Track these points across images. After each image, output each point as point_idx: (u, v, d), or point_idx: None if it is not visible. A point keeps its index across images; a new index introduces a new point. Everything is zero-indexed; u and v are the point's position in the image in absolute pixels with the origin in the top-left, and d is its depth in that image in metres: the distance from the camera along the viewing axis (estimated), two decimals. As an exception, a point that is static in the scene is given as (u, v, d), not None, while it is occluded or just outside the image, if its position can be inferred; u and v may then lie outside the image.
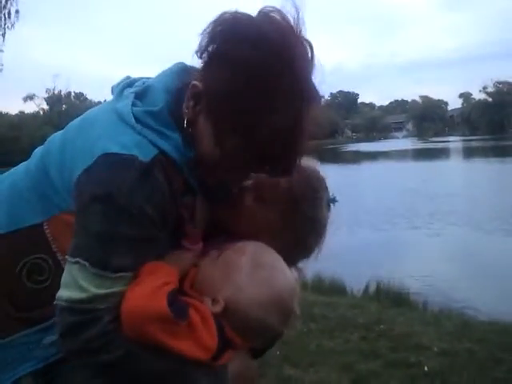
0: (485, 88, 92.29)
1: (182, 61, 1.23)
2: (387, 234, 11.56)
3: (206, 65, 1.10)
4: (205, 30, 1.10)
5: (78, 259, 1.04)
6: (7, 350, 1.16)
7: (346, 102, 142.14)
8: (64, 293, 1.05)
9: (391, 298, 6.15)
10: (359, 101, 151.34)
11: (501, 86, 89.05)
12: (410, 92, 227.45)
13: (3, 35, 12.52)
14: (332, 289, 6.70)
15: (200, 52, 1.11)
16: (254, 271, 1.15)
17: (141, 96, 1.16)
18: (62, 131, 1.26)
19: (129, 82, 1.23)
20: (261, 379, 3.56)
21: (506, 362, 3.48)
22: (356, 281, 6.86)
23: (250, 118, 1.05)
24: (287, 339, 4.05)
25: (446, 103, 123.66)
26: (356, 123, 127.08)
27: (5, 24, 12.51)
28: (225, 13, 1.10)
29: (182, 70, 1.20)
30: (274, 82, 1.04)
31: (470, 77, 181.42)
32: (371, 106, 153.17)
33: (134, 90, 1.18)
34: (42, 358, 1.16)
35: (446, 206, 14.41)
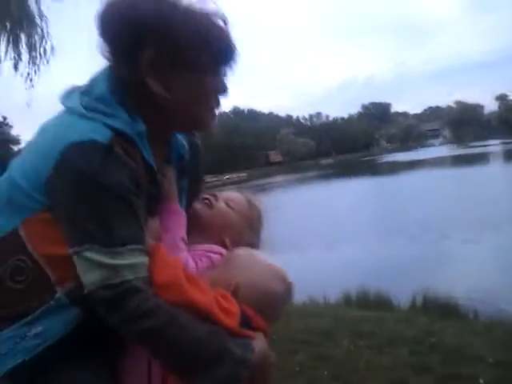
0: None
1: None
2: (429, 244, 11.32)
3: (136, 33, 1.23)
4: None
5: (86, 246, 1.15)
6: None
7: (379, 112, 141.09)
8: (89, 278, 1.16)
9: (439, 310, 6.00)
10: (392, 110, 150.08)
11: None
12: (444, 98, 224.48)
13: (35, 72, 12.90)
14: (378, 303, 6.58)
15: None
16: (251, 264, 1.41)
17: (85, 92, 1.27)
18: (22, 150, 1.37)
19: (74, 88, 1.33)
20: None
21: None
22: (402, 294, 6.73)
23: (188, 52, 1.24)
24: (335, 358, 4.00)
25: (482, 107, 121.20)
26: (391, 133, 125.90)
27: (40, 60, 12.88)
28: None
29: (109, 68, 1.31)
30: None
31: (505, 78, 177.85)
32: (405, 114, 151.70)
33: (79, 90, 1.29)
34: (28, 349, 1.23)
35: (489, 213, 14.06)
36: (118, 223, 1.16)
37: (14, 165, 1.31)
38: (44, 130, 1.29)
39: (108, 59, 1.30)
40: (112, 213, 1.16)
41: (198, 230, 1.55)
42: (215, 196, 1.61)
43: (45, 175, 1.18)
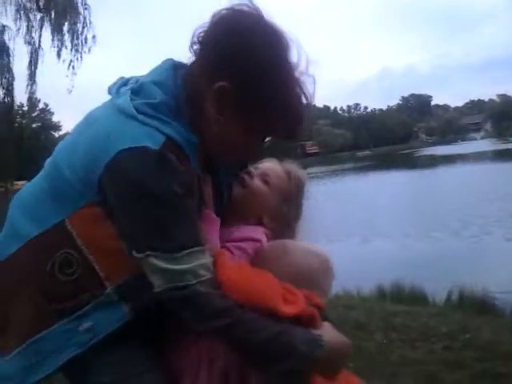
0: None
1: (171, 57, 1.35)
2: (467, 240, 11.10)
3: (225, 62, 1.22)
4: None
5: (147, 253, 1.18)
6: (48, 341, 1.26)
7: (419, 105, 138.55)
8: (155, 280, 1.19)
9: (475, 306, 5.88)
10: (433, 103, 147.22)
11: None
12: (487, 91, 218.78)
13: (78, 59, 13.14)
14: (412, 297, 6.50)
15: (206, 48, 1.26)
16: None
17: (136, 92, 1.27)
18: (67, 136, 1.38)
19: (124, 81, 1.35)
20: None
21: None
22: (437, 289, 6.63)
23: (275, 103, 1.24)
24: (368, 350, 3.98)
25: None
26: (430, 126, 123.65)
27: (82, 49, 13.11)
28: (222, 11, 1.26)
29: (171, 66, 1.32)
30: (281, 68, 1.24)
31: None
32: (445, 107, 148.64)
33: (130, 87, 1.29)
34: (81, 343, 1.26)
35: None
36: (173, 229, 1.18)
37: (61, 155, 1.32)
38: (94, 125, 1.28)
39: (190, 61, 1.30)
40: (166, 220, 1.18)
41: (234, 210, 1.54)
42: (250, 174, 1.57)
43: (96, 174, 1.19)
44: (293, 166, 1.64)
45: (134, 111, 1.22)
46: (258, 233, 1.50)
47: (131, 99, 1.25)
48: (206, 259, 1.22)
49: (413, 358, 3.74)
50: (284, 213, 1.57)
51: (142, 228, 1.18)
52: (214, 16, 1.26)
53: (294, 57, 1.26)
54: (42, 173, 1.37)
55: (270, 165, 1.62)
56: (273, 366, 1.25)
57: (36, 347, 1.27)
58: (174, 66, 1.32)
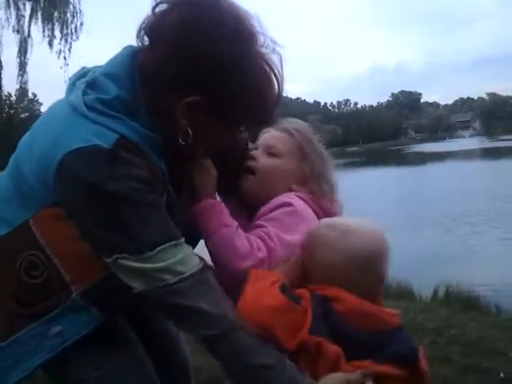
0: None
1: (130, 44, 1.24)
2: (454, 237, 11.18)
3: (191, 74, 1.13)
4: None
5: (115, 256, 1.11)
6: (17, 346, 1.23)
7: (409, 102, 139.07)
8: (132, 283, 1.13)
9: (462, 302, 5.92)
10: (422, 100, 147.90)
11: None
12: (476, 89, 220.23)
13: (69, 49, 13.04)
14: (399, 293, 6.52)
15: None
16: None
17: (91, 85, 1.18)
18: (29, 131, 1.30)
19: (82, 73, 1.26)
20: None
21: None
22: (424, 285, 6.67)
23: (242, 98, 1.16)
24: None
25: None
26: (420, 123, 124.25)
27: (71, 38, 13.01)
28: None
29: (130, 55, 1.21)
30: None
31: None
32: (435, 105, 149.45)
33: (85, 80, 1.20)
34: (52, 348, 1.23)
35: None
36: (139, 228, 1.10)
37: (21, 153, 1.25)
38: (50, 124, 1.20)
39: (143, 53, 1.18)
40: (129, 218, 1.10)
41: (260, 199, 1.44)
42: (252, 157, 1.47)
43: (50, 177, 1.13)
44: (289, 123, 1.54)
45: (85, 109, 1.13)
46: (286, 197, 1.41)
47: (84, 93, 1.16)
48: (183, 253, 1.14)
49: (399, 353, 3.76)
50: (307, 170, 1.48)
51: (105, 231, 1.10)
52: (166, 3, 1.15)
53: (258, 38, 1.18)
54: (7, 169, 1.30)
55: (267, 136, 1.53)
56: None
57: (8, 351, 1.23)
58: (133, 55, 1.21)
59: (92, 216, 1.11)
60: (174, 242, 1.13)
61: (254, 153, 1.48)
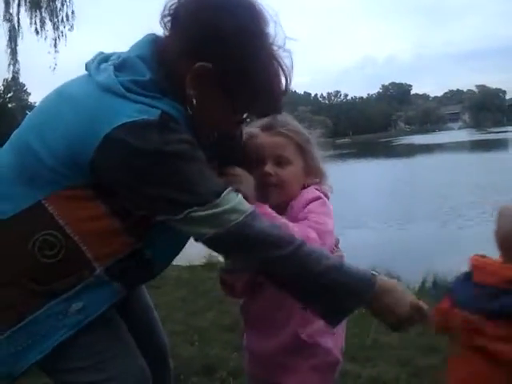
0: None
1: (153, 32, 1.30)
2: (442, 228, 11.27)
3: (204, 42, 1.19)
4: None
5: (186, 212, 1.17)
6: (36, 325, 1.23)
7: (399, 93, 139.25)
8: (205, 229, 1.19)
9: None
10: (412, 92, 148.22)
11: None
12: (466, 82, 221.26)
13: (59, 37, 12.90)
14: (388, 284, 6.58)
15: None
16: None
17: (120, 68, 1.22)
18: (35, 109, 1.31)
19: (104, 57, 1.29)
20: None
21: None
22: (412, 276, 6.73)
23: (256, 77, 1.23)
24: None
25: (505, 92, 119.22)
26: (409, 115, 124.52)
27: (64, 27, 12.87)
28: None
29: (153, 41, 1.27)
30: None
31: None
32: (425, 97, 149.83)
33: (112, 63, 1.23)
34: (73, 325, 1.24)
35: (502, 198, 13.91)
36: (202, 182, 1.19)
37: (32, 134, 1.24)
38: (74, 105, 1.21)
39: (164, 35, 1.26)
40: (191, 173, 1.18)
41: (285, 202, 1.53)
42: (271, 174, 1.52)
43: (85, 158, 1.15)
44: (277, 122, 1.57)
45: (123, 89, 1.17)
46: (311, 193, 1.52)
47: (116, 76, 1.19)
48: (238, 196, 1.23)
49: (387, 343, 3.78)
50: (310, 163, 1.59)
51: (172, 191, 1.17)
52: None
53: (271, 31, 1.25)
54: (7, 146, 1.30)
55: (268, 143, 1.55)
56: (318, 301, 1.28)
57: (26, 331, 1.23)
58: (154, 41, 1.27)
59: (152, 181, 1.16)
60: (230, 188, 1.22)
61: (267, 169, 1.52)
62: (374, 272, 1.31)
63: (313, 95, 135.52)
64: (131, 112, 1.15)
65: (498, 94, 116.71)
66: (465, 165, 25.89)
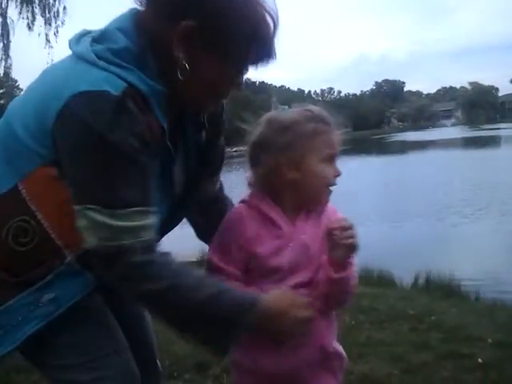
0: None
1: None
2: (435, 225, 11.29)
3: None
4: None
5: (86, 205, 1.11)
6: (7, 316, 1.21)
7: (392, 90, 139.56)
8: (88, 236, 1.13)
9: (442, 290, 6.01)
10: (406, 89, 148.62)
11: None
12: (459, 79, 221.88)
13: (55, 34, 12.82)
14: (380, 280, 6.61)
15: None
16: None
17: (97, 39, 1.19)
18: (21, 94, 1.29)
19: (85, 32, 1.25)
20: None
21: None
22: (405, 272, 6.75)
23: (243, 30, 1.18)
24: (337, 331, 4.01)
25: (497, 89, 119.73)
26: (403, 112, 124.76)
27: (55, 22, 12.78)
28: None
29: (134, 14, 1.23)
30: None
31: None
32: (418, 94, 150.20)
33: (91, 35, 1.21)
34: (45, 316, 1.21)
35: (495, 195, 13.99)
36: (122, 184, 1.12)
37: (12, 112, 1.23)
38: (48, 75, 1.21)
39: (143, 9, 1.22)
40: (117, 173, 1.11)
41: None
42: (337, 174, 1.42)
43: (48, 124, 1.12)
44: (332, 120, 1.46)
45: (94, 57, 1.13)
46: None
47: (92, 46, 1.17)
48: (150, 220, 1.16)
49: (380, 339, 3.80)
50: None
51: (89, 179, 1.11)
52: None
53: None
54: None
55: (339, 146, 1.45)
56: (201, 332, 1.23)
57: None
58: (135, 14, 1.24)
59: (83, 161, 1.11)
60: (146, 209, 1.15)
61: (327, 171, 1.40)
62: (255, 296, 1.26)
63: (306, 92, 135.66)
64: (95, 80, 1.10)
65: (491, 91, 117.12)
66: (458, 162, 25.98)
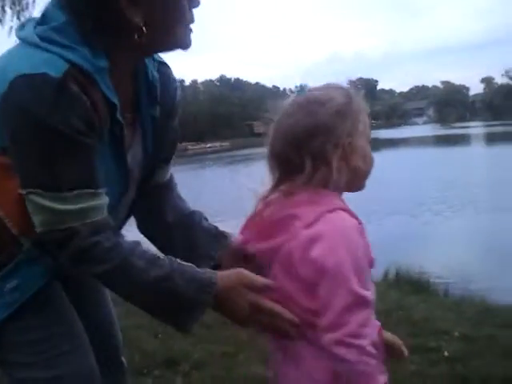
0: (507, 72, 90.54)
1: None
2: (405, 221, 11.45)
3: None
4: None
5: (29, 190, 1.10)
6: None
7: (366, 89, 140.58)
8: (36, 220, 1.12)
9: (411, 285, 6.08)
10: (379, 87, 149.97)
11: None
12: (431, 78, 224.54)
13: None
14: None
15: None
16: None
17: (40, 22, 1.16)
18: None
19: (31, 19, 1.23)
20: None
21: (529, 347, 3.42)
22: (375, 268, 6.81)
23: None
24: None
25: (468, 88, 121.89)
26: (375, 110, 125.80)
27: (23, 15, 12.51)
28: None
29: None
30: None
31: (493, 61, 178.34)
32: (391, 92, 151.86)
33: (35, 20, 1.18)
34: (8, 304, 1.20)
35: (465, 193, 14.23)
36: (65, 167, 1.10)
37: None
38: None
39: None
40: (59, 156, 1.09)
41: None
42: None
43: None
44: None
45: (37, 38, 1.11)
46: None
47: (35, 28, 1.14)
48: (95, 202, 1.14)
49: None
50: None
51: (31, 163, 1.10)
52: None
53: None
54: None
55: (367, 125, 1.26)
56: (156, 309, 1.23)
57: None
58: None
59: (24, 145, 1.10)
60: (92, 191, 1.14)
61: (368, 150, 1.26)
62: (212, 275, 1.21)
63: (281, 89, 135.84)
64: (36, 62, 1.08)
65: (462, 90, 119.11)
66: (429, 159, 26.34)
